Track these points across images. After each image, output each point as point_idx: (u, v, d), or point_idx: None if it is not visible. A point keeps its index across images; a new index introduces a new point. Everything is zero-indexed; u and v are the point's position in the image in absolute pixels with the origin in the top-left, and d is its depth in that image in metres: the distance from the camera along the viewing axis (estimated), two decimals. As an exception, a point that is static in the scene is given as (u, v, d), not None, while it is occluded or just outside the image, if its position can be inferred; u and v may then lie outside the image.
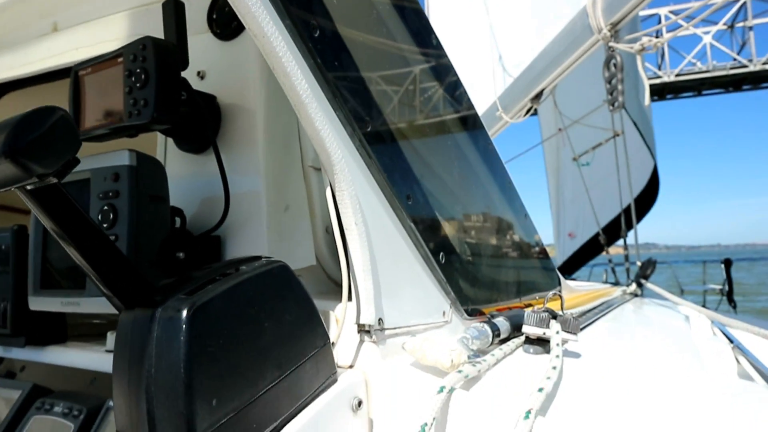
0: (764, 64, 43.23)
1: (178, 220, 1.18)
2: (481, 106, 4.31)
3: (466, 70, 4.92)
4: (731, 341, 1.88)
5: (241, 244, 1.18)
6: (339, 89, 0.95)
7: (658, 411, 0.98)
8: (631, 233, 5.36)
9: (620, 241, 5.62)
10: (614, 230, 5.71)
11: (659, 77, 44.83)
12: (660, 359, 1.56)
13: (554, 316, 1.28)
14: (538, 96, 3.52)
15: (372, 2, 1.12)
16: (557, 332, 1.20)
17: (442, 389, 0.90)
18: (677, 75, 44.92)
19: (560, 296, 1.38)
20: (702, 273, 8.09)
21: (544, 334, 1.24)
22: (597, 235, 5.78)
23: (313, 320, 0.90)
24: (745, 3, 44.45)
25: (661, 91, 47.43)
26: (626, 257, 4.87)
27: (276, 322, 0.82)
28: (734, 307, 6.11)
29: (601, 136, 5.38)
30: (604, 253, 5.57)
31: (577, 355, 1.29)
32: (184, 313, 0.70)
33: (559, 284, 2.16)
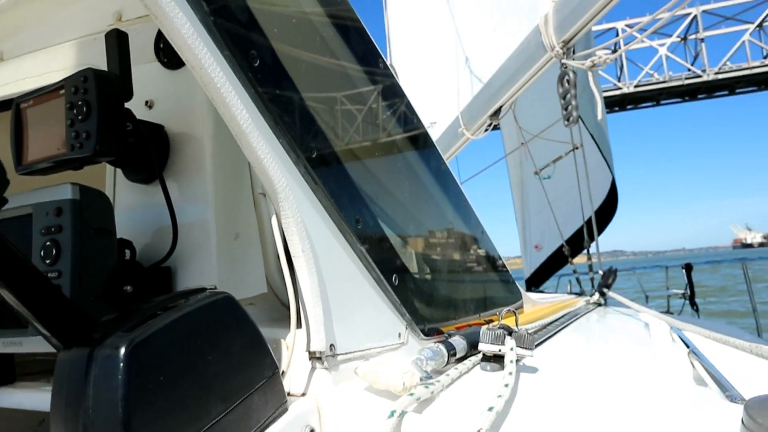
0: (716, 74, 44.86)
1: (128, 252, 1.16)
2: (445, 123, 4.36)
3: (432, 86, 4.99)
4: (688, 346, 1.93)
5: (192, 274, 1.17)
6: (281, 117, 0.95)
7: (608, 423, 0.99)
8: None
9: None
10: (578, 241, 5.82)
11: (619, 88, 46.19)
12: (616, 370, 1.59)
13: (510, 333, 1.29)
14: (497, 113, 3.57)
15: (315, 29, 1.13)
16: (511, 349, 1.21)
17: (392, 413, 0.90)
18: (636, 86, 46.35)
19: (514, 312, 1.40)
20: (666, 278, 8.24)
21: (500, 351, 1.25)
22: (561, 246, 5.89)
23: (260, 350, 0.89)
24: (696, 16, 46.23)
25: (621, 102, 48.86)
26: (590, 267, 4.96)
27: (221, 354, 0.81)
28: (696, 310, 6.26)
29: (561, 149, 5.49)
30: (569, 264, 5.66)
31: (533, 370, 1.30)
32: (122, 350, 0.69)
33: (521, 298, 2.18)
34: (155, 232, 1.24)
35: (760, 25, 45.55)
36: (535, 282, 7.70)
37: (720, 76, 45.39)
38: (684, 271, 6.32)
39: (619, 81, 46.90)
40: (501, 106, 3.48)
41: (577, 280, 5.19)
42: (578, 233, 5.82)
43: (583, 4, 2.65)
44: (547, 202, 5.83)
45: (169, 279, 1.19)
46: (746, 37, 45.11)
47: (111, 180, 1.32)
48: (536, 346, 1.67)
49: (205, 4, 0.83)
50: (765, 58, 45.04)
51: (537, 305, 2.41)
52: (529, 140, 5.51)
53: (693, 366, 1.64)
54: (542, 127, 5.47)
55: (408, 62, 5.35)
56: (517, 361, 1.29)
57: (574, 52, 4.38)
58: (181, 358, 0.76)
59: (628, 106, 50.44)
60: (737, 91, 49.18)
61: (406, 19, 5.41)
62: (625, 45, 3.57)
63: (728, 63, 45.39)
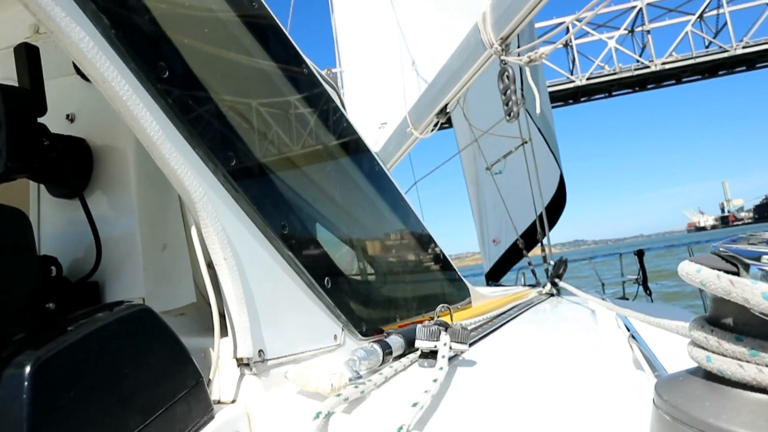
0: (663, 64, 46.31)
1: (54, 268, 1.14)
2: (396, 123, 4.39)
3: (382, 88, 5.01)
4: (629, 330, 1.98)
5: (119, 287, 1.16)
6: (196, 127, 0.95)
7: (536, 411, 1.02)
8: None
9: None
10: (533, 234, 5.92)
11: (572, 81, 47.28)
12: (555, 358, 1.62)
13: (446, 328, 1.31)
14: (443, 110, 3.61)
15: (229, 35, 1.13)
16: (444, 344, 1.23)
17: (318, 415, 0.90)
18: (588, 78, 47.48)
19: (449, 309, 1.42)
20: (620, 265, 8.47)
21: (435, 346, 1.27)
22: (517, 240, 6.00)
23: (181, 360, 0.89)
24: (641, 9, 47.72)
25: (575, 95, 49.95)
26: (544, 258, 5.07)
27: (138, 366, 0.81)
28: (650, 294, 6.45)
29: (511, 144, 5.58)
30: (524, 256, 5.76)
31: (470, 364, 1.33)
32: (27, 369, 0.68)
33: (468, 294, 2.21)
34: (84, 246, 1.22)
35: (700, 16, 47.18)
36: (494, 276, 7.80)
37: (667, 66, 46.76)
38: (636, 257, 6.50)
39: (572, 74, 47.95)
40: (447, 104, 3.51)
41: (532, 272, 5.29)
42: (533, 226, 5.93)
43: (517, 1, 2.70)
44: (501, 198, 5.93)
45: (97, 294, 1.17)
46: (689, 28, 46.59)
47: (35, 196, 1.30)
48: (480, 338, 1.70)
49: (106, 17, 0.82)
50: (707, 47, 46.64)
51: (487, 299, 2.45)
52: (479, 136, 5.59)
53: (632, 350, 1.69)
54: (493, 123, 5.54)
55: (357, 65, 5.37)
56: (455, 356, 1.32)
57: (519, 46, 4.48)
58: (95, 373, 0.75)
59: (582, 99, 51.55)
60: (684, 80, 50.63)
61: (353, 23, 5.42)
62: (557, 41, 3.66)
63: (674, 53, 46.83)
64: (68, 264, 1.18)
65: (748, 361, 0.75)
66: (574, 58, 48.21)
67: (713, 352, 0.80)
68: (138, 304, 0.88)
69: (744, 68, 49.62)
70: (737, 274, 0.76)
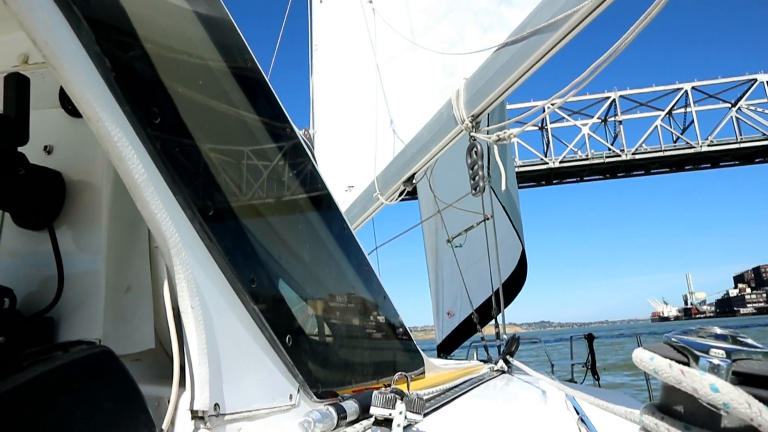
0: (633, 154, 48.71)
1: (7, 300, 1.11)
2: (362, 186, 4.46)
3: (353, 151, 5.10)
4: (578, 413, 2.00)
5: (76, 326, 1.13)
6: (179, 174, 0.96)
7: None
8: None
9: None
10: (489, 310, 5.96)
11: (546, 163, 49.20)
12: None
13: (402, 396, 1.31)
14: (410, 179, 3.69)
15: (221, 89, 1.16)
16: (400, 413, 1.23)
17: None
18: (561, 162, 49.49)
19: (407, 377, 1.42)
20: (570, 349, 8.56)
21: (390, 414, 1.26)
22: (472, 314, 6.02)
23: (136, 408, 0.87)
24: (614, 100, 50.66)
25: (548, 176, 51.79)
26: (497, 335, 5.09)
27: (91, 411, 0.78)
28: (597, 378, 6.51)
29: (474, 219, 5.70)
30: (478, 332, 5.78)
31: None
32: None
33: (423, 364, 2.21)
34: (42, 280, 1.19)
35: (669, 113, 50.24)
36: (446, 348, 7.77)
37: (637, 157, 49.17)
38: (586, 341, 6.59)
39: (546, 156, 49.93)
40: (414, 173, 3.60)
41: (485, 347, 5.31)
42: (488, 301, 5.97)
43: (489, 83, 2.84)
44: (459, 270, 5.99)
45: (51, 330, 1.14)
46: (658, 122, 49.53)
47: None
48: (432, 410, 1.69)
49: (108, 60, 0.84)
50: (675, 142, 49.37)
51: (441, 371, 2.45)
52: (443, 209, 5.70)
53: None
54: (457, 196, 5.67)
55: (330, 127, 5.47)
56: (409, 425, 1.31)
57: (489, 124, 4.64)
58: (45, 415, 0.73)
59: (555, 181, 53.44)
60: (652, 171, 53.15)
61: (330, 85, 5.56)
62: (527, 123, 3.84)
63: (644, 145, 49.40)
64: (23, 297, 1.15)
65: None
66: (548, 141, 50.35)
67: None
68: (100, 345, 0.86)
69: (709, 165, 52.41)
70: (687, 364, 0.80)
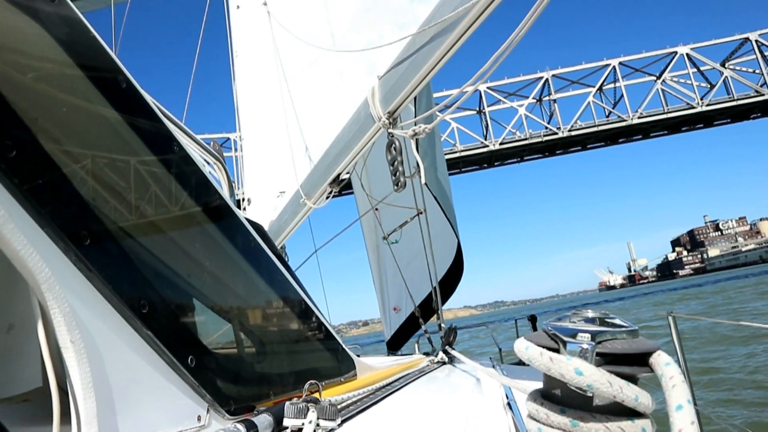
0: (569, 131, 50.30)
1: None
2: (291, 191, 4.42)
3: (279, 157, 5.05)
4: (507, 398, 2.05)
5: None
6: (45, 206, 0.92)
7: None
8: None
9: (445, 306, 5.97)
10: (430, 303, 6.02)
11: (486, 146, 50.19)
12: (432, 430, 1.65)
13: (316, 404, 1.31)
14: (335, 180, 3.69)
15: (89, 110, 1.10)
16: (310, 422, 1.23)
17: None
18: (501, 143, 50.61)
19: (318, 385, 1.42)
20: (517, 330, 8.77)
21: (302, 424, 1.26)
22: (414, 310, 6.08)
23: None
24: (547, 80, 52.22)
25: (489, 159, 52.85)
26: (440, 326, 5.16)
27: None
28: None
29: (408, 214, 5.74)
30: (421, 326, 5.83)
31: None
32: None
33: (353, 366, 2.21)
34: None
35: (600, 89, 52.13)
36: (394, 345, 7.81)
37: (573, 133, 50.78)
38: (530, 322, 6.77)
39: (485, 139, 50.91)
40: (339, 174, 3.60)
41: (428, 339, 5.37)
42: (430, 296, 6.03)
43: (401, 79, 2.86)
44: (398, 267, 6.03)
45: None
46: (590, 98, 51.41)
47: None
48: (358, 412, 1.70)
49: None
50: (607, 116, 51.28)
51: (375, 370, 2.45)
52: (375, 205, 5.72)
53: (507, 418, 1.75)
54: (388, 193, 5.69)
55: (256, 134, 5.41)
56: (325, 432, 1.31)
57: (416, 115, 4.64)
58: None
59: (496, 163, 54.57)
60: (588, 146, 54.98)
61: (252, 91, 5.49)
62: (442, 115, 3.93)
63: (579, 122, 51.07)
64: None
65: None
66: (487, 124, 51.37)
67: (543, 423, 0.86)
68: None
69: (640, 137, 54.66)
70: (558, 351, 0.83)
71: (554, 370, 0.79)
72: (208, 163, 2.45)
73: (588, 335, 0.81)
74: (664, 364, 0.77)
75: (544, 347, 0.85)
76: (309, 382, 1.36)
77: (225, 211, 1.50)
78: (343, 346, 2.16)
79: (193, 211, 1.38)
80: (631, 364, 0.81)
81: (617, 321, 0.86)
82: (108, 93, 1.15)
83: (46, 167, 0.95)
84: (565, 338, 0.83)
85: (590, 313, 0.88)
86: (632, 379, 0.81)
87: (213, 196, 1.45)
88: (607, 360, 0.80)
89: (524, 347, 0.86)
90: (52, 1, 1.06)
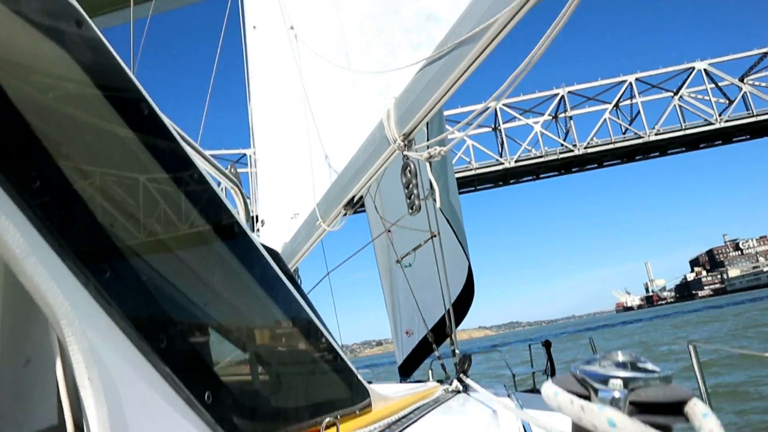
0: (586, 148, 50.12)
1: None
2: (305, 214, 4.41)
3: (295, 178, 5.05)
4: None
5: None
6: (67, 238, 0.91)
7: None
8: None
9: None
10: (443, 327, 5.93)
11: (501, 164, 50.08)
12: None
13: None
14: (350, 203, 3.67)
15: (112, 142, 1.10)
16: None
17: None
18: (516, 161, 50.47)
19: (336, 421, 1.39)
20: (530, 356, 8.65)
21: (320, 462, 1.23)
22: (427, 334, 6.00)
23: None
24: (563, 97, 52.22)
25: (504, 177, 52.73)
26: (453, 352, 5.08)
27: None
28: None
29: (422, 237, 5.70)
30: (434, 351, 5.74)
31: None
32: None
33: (367, 396, 2.17)
34: None
35: (616, 105, 52.02)
36: (406, 370, 7.70)
37: (589, 150, 50.49)
38: (544, 348, 6.66)
39: (501, 156, 50.84)
40: (354, 196, 3.58)
41: (442, 365, 5.29)
42: (443, 319, 5.95)
43: (417, 100, 2.84)
44: (411, 291, 5.97)
45: None
46: (606, 115, 51.28)
47: None
48: None
49: None
50: (624, 133, 51.03)
51: (389, 400, 2.41)
52: (388, 227, 5.69)
53: None
54: (406, 216, 5.67)
55: (272, 155, 5.42)
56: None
57: (428, 139, 4.63)
58: None
59: (512, 181, 54.38)
60: (605, 163, 54.60)
61: (268, 112, 5.52)
62: (459, 136, 3.92)
63: (595, 138, 50.85)
64: None
65: None
66: (503, 142, 51.27)
67: None
68: None
69: (657, 153, 54.23)
70: (589, 397, 0.80)
71: (586, 420, 0.76)
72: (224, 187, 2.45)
73: (620, 382, 0.78)
74: (701, 415, 0.74)
75: (573, 393, 0.82)
76: (327, 417, 1.33)
77: (244, 241, 1.49)
78: (358, 376, 2.13)
79: (214, 244, 1.36)
80: (665, 413, 0.77)
81: (649, 366, 0.83)
82: (131, 121, 1.15)
83: (69, 198, 0.95)
84: (596, 385, 0.80)
85: (621, 357, 0.85)
86: (667, 429, 0.78)
87: (233, 228, 1.43)
88: (640, 409, 0.77)
89: (553, 393, 0.83)
90: (78, 27, 1.06)
